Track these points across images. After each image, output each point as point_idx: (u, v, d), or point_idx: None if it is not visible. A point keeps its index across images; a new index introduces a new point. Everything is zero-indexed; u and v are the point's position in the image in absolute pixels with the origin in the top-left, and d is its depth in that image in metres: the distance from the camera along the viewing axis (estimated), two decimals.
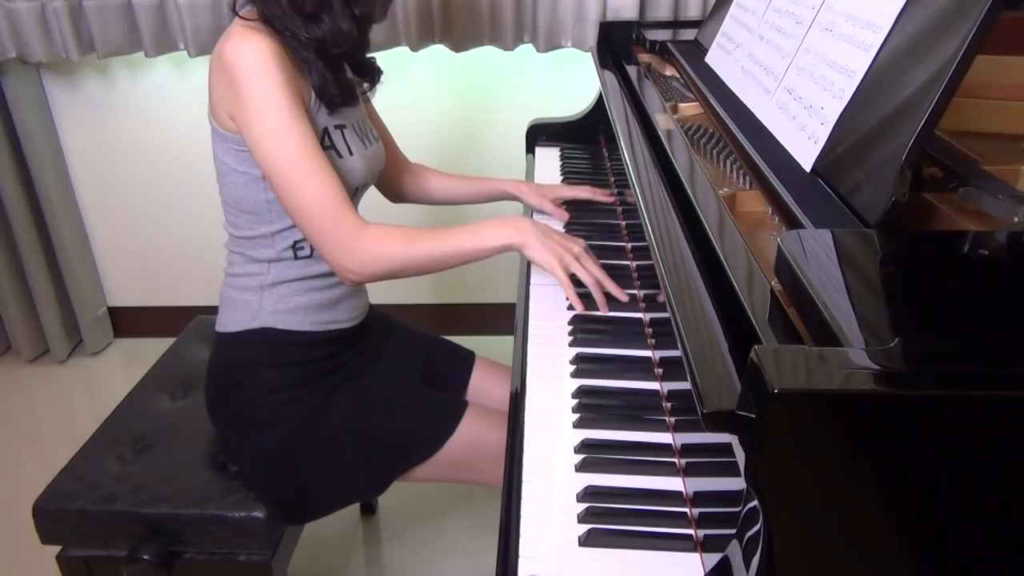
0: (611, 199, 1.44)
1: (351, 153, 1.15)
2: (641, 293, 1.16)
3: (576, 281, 1.10)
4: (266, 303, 1.16)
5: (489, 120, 2.17)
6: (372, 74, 1.26)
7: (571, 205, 1.44)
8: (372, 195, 1.36)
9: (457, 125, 2.18)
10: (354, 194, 1.19)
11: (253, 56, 1.01)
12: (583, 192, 1.45)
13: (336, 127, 1.14)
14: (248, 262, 1.16)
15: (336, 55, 1.09)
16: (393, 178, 1.43)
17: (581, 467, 0.86)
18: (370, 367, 1.26)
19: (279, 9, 1.05)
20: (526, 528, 0.79)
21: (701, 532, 0.76)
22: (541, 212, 1.42)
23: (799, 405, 0.53)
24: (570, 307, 1.14)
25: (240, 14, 1.08)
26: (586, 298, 1.11)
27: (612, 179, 1.56)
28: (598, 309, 1.10)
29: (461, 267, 1.13)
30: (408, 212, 2.22)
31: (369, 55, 1.26)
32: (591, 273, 1.09)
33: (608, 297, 1.11)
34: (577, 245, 1.11)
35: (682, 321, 0.74)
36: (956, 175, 0.81)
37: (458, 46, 1.97)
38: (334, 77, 1.10)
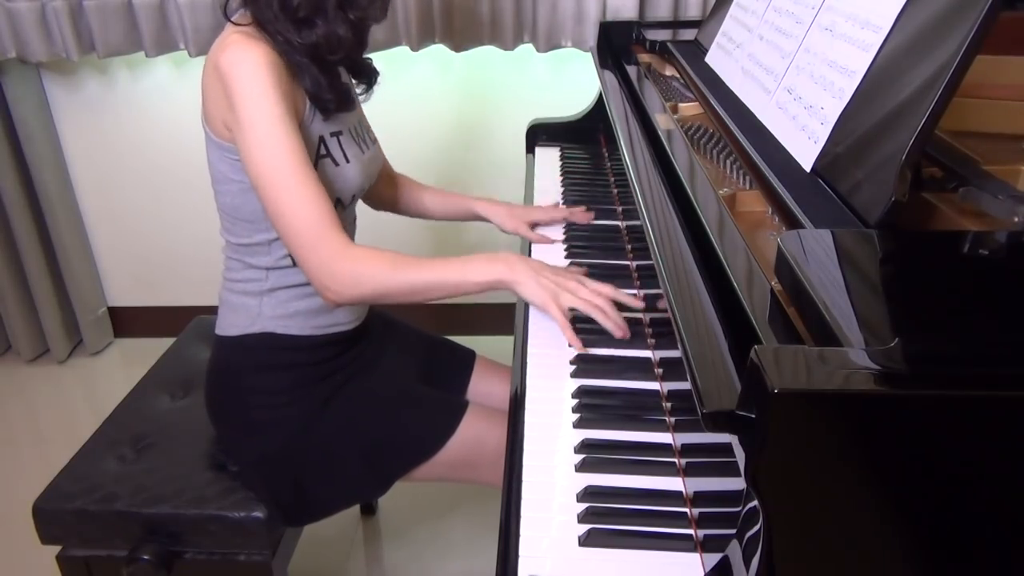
0: (589, 218, 1.39)
1: (348, 160, 1.13)
2: (641, 293, 1.16)
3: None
4: (265, 308, 1.16)
5: (489, 120, 2.17)
6: (369, 75, 1.25)
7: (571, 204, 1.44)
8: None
9: (457, 125, 2.18)
10: (351, 200, 1.18)
11: (248, 66, 0.99)
12: (558, 213, 1.40)
13: (332, 134, 1.12)
14: (246, 268, 1.15)
15: (331, 60, 1.08)
16: (374, 186, 1.41)
17: (581, 467, 0.86)
18: (370, 368, 1.26)
19: (271, 13, 1.02)
20: (526, 528, 0.79)
21: (701, 532, 0.76)
22: (517, 235, 1.38)
23: (799, 405, 0.53)
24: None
25: (232, 19, 1.07)
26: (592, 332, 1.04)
27: (612, 179, 1.56)
28: (608, 339, 1.02)
29: None
30: (403, 223, 2.22)
31: (366, 55, 1.24)
32: (589, 302, 1.01)
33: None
34: (573, 279, 1.04)
35: (682, 321, 0.74)
36: (956, 175, 0.81)
37: (458, 46, 1.97)
38: (329, 82, 1.08)
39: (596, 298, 1.02)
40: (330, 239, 1.01)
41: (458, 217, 1.45)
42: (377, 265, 1.02)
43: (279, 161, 1.00)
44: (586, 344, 1.04)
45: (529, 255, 1.30)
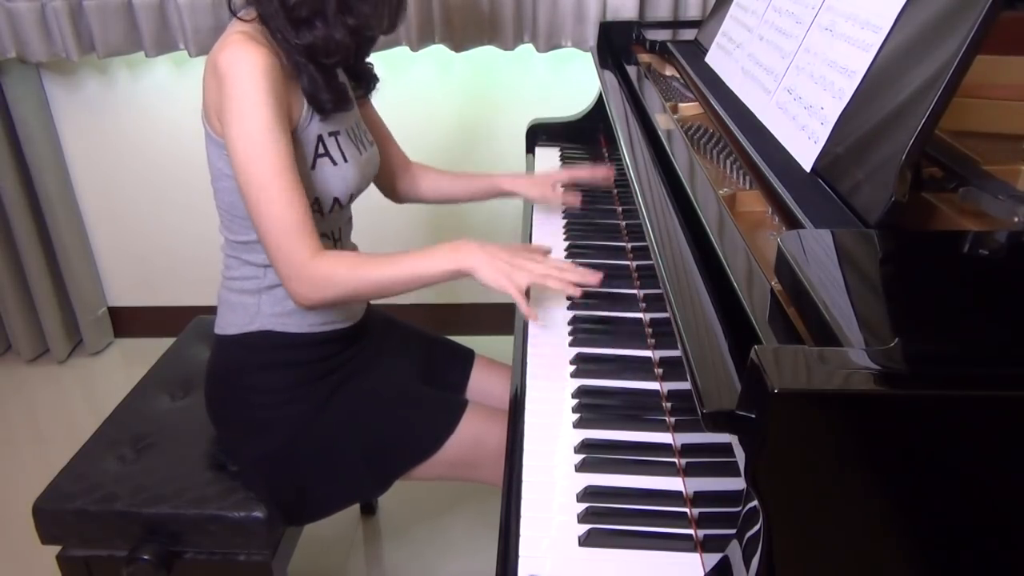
0: (609, 175, 1.46)
1: (345, 160, 1.14)
2: (641, 293, 1.16)
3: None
4: (264, 306, 1.16)
5: (489, 120, 2.17)
6: (368, 80, 1.26)
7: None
8: (374, 195, 1.36)
9: (457, 125, 2.18)
10: (349, 200, 1.18)
11: (245, 67, 1.00)
12: (580, 173, 1.46)
13: (331, 134, 1.13)
14: (244, 266, 1.16)
15: (326, 64, 1.08)
16: (392, 178, 1.42)
17: (581, 467, 0.86)
18: (370, 366, 1.26)
19: (272, 9, 1.04)
20: (526, 528, 0.79)
21: (701, 532, 0.76)
22: (545, 202, 1.44)
23: (799, 405, 0.53)
24: (570, 307, 1.15)
25: (238, 15, 1.07)
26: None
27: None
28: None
29: None
30: (411, 213, 2.22)
31: (367, 60, 1.25)
32: (538, 273, 1.04)
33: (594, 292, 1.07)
34: (526, 257, 1.07)
35: (682, 321, 0.74)
36: (956, 175, 0.81)
37: (458, 46, 1.97)
38: (326, 83, 1.08)
39: (549, 270, 1.05)
40: (300, 246, 1.03)
41: (481, 197, 1.48)
42: (337, 268, 1.05)
43: (264, 163, 1.01)
44: (587, 343, 1.04)
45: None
